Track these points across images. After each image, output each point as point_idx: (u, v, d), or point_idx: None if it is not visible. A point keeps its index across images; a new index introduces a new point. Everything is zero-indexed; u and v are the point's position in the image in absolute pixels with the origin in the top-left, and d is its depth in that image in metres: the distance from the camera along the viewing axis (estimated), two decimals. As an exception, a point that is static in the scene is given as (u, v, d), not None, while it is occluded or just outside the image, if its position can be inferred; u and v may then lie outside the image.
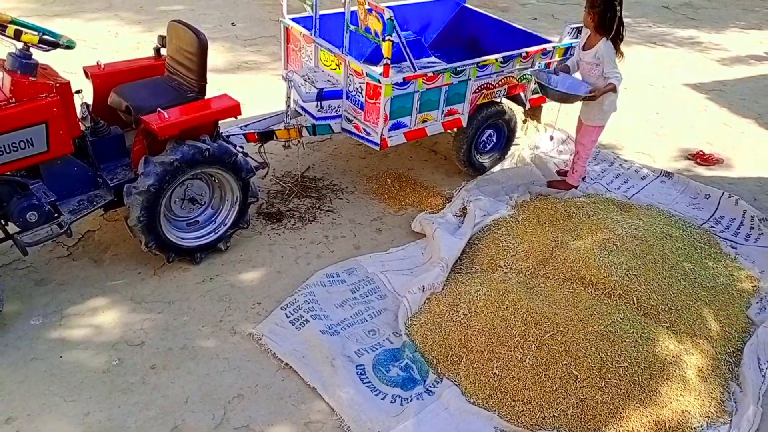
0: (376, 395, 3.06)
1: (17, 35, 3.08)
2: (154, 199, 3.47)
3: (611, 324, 3.23)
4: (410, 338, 3.35)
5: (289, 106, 4.30)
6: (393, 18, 3.79)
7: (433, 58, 5.42)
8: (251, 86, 6.05)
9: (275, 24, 6.70)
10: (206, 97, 3.72)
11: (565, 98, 4.42)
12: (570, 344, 3.13)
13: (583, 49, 4.43)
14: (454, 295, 3.56)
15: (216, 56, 6.62)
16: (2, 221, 3.43)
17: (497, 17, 5.46)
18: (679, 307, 3.47)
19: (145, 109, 3.51)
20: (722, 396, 3.21)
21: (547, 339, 3.14)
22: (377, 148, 4.25)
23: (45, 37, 3.13)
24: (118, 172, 3.66)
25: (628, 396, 3.04)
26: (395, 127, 4.24)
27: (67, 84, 3.29)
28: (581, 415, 2.98)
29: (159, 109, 3.44)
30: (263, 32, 7.50)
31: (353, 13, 4.21)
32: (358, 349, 3.30)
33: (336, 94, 4.35)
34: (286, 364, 3.22)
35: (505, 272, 3.72)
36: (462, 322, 3.33)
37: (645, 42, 8.08)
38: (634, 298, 3.43)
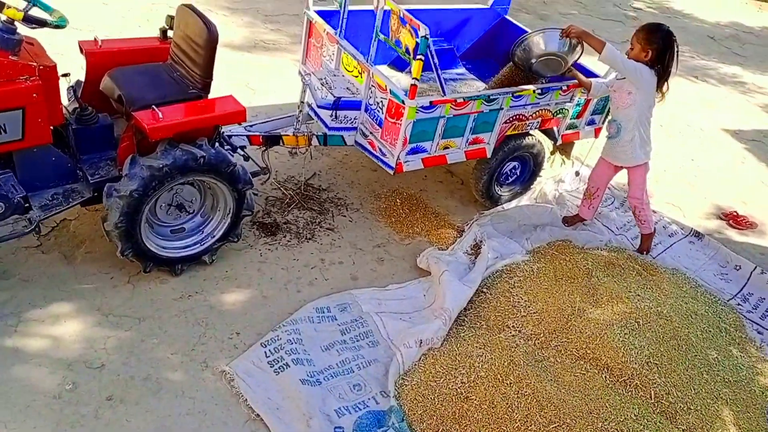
0: (352, 467, 2.73)
1: (-1, 8, 2.68)
2: (137, 205, 3.10)
3: (624, 421, 2.89)
4: (399, 402, 3.01)
5: (301, 111, 3.90)
6: (428, 36, 3.38)
7: (462, 69, 5.02)
8: (266, 69, 5.62)
9: (301, 1, 6.25)
10: (210, 97, 3.33)
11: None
12: (575, 439, 2.79)
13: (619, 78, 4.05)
14: (453, 354, 3.21)
15: (234, 30, 6.18)
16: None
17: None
18: (699, 407, 3.12)
19: (138, 102, 3.13)
20: None
21: (551, 430, 2.80)
22: (391, 171, 3.85)
23: (30, 14, 2.73)
24: (100, 167, 3.29)
25: None
26: (414, 151, 3.84)
27: (53, 67, 2.90)
28: None
29: (153, 106, 3.05)
30: (287, 9, 7.04)
31: (385, 15, 3.78)
32: (340, 407, 2.95)
33: (354, 105, 3.95)
34: (257, 415, 2.88)
35: (513, 335, 3.36)
36: (459, 392, 2.99)
37: (687, 74, 7.61)
38: (652, 392, 3.09)
